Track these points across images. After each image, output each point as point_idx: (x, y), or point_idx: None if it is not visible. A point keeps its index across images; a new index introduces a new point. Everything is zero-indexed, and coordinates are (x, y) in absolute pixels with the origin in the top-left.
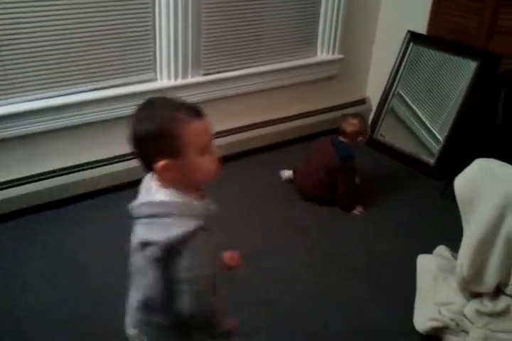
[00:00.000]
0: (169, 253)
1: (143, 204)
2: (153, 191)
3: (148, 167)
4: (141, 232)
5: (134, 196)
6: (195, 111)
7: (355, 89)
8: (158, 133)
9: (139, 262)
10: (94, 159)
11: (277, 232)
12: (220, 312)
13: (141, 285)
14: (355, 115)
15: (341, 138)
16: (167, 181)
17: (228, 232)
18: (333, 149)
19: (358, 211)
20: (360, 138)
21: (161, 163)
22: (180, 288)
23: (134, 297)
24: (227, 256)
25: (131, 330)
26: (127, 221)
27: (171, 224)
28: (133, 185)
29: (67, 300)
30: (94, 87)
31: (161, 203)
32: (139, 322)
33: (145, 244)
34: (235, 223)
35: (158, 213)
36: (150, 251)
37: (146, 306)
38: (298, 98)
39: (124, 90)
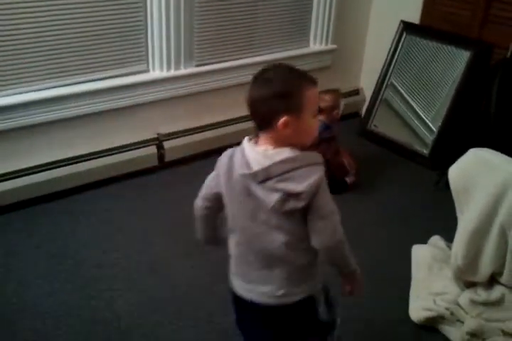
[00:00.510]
0: (310, 199)
1: (273, 164)
2: (272, 152)
3: (266, 125)
4: (282, 187)
5: (125, 190)
6: (313, 78)
7: (348, 80)
8: (286, 91)
9: (273, 219)
10: (87, 152)
11: None
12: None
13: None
14: (327, 91)
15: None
16: (281, 138)
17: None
18: None
19: (348, 179)
20: (335, 112)
21: (284, 118)
22: (324, 222)
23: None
24: None
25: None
26: (118, 213)
27: (306, 175)
28: (124, 178)
29: (61, 293)
30: (87, 78)
31: (294, 158)
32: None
33: (287, 198)
34: None
35: (293, 167)
36: (292, 203)
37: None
38: None
39: (116, 82)
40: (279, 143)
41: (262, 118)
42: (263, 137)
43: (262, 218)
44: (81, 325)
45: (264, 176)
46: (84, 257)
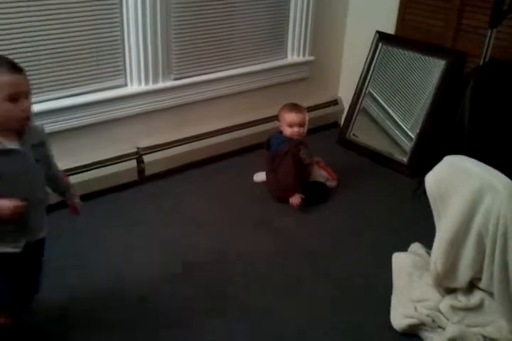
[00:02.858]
0: None
1: None
2: None
3: None
4: None
5: (105, 205)
6: (11, 65)
7: (326, 90)
8: None
9: None
10: (65, 167)
11: (249, 232)
12: None
13: None
14: (295, 106)
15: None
16: None
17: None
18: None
19: (293, 201)
20: (301, 129)
21: None
22: None
23: None
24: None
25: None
26: (91, 230)
27: None
28: (104, 193)
29: None
30: (64, 94)
31: None
32: None
33: None
34: (217, 225)
35: None
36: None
37: None
38: (270, 100)
39: (94, 97)
40: None
41: None
42: None
43: None
44: None
45: None
46: (55, 275)
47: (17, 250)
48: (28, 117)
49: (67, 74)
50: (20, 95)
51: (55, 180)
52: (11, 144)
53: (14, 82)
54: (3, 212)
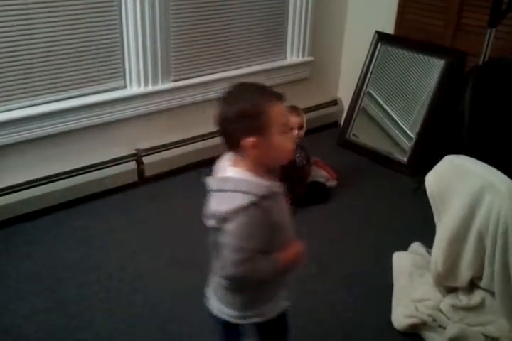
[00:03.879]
0: (222, 222)
1: (214, 179)
2: (225, 169)
3: (234, 145)
4: (211, 203)
5: (105, 207)
6: (277, 94)
7: (326, 91)
8: (251, 111)
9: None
10: (66, 169)
11: None
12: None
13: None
14: (292, 108)
15: None
16: (250, 159)
17: None
18: None
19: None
20: (300, 132)
21: (250, 140)
22: (227, 255)
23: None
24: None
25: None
26: (93, 232)
27: (227, 198)
28: (104, 195)
29: (41, 314)
30: (64, 96)
31: (229, 179)
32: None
33: (213, 214)
34: None
35: (224, 188)
36: (212, 221)
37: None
38: None
39: (94, 99)
40: (246, 163)
41: (228, 138)
42: (233, 156)
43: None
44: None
45: (210, 186)
46: (64, 277)
47: (289, 303)
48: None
49: (67, 76)
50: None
51: None
52: (275, 185)
53: (285, 111)
54: (298, 261)
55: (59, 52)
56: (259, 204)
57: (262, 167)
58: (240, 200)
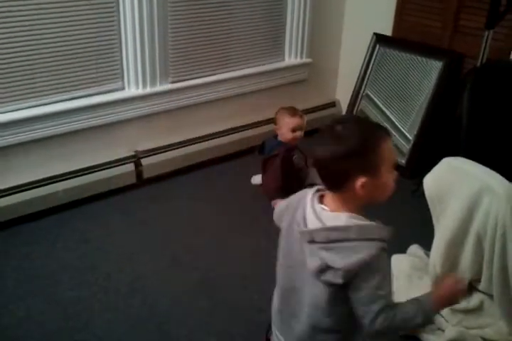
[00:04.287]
0: (350, 278)
1: (328, 229)
2: (327, 214)
3: (339, 185)
4: (323, 256)
5: (104, 209)
6: (386, 129)
7: (324, 93)
8: (362, 149)
9: (312, 287)
10: (63, 171)
11: (248, 233)
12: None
13: (310, 308)
14: (291, 109)
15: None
16: (353, 199)
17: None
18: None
19: (275, 206)
20: (299, 133)
21: (361, 180)
22: (362, 308)
23: (303, 321)
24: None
25: None
26: (97, 232)
27: (354, 249)
28: (102, 197)
29: (38, 315)
30: (62, 98)
31: (349, 228)
32: None
33: (326, 268)
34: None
35: (342, 238)
36: (330, 276)
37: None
38: (268, 103)
39: (92, 100)
40: (348, 204)
41: (334, 179)
42: (330, 196)
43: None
44: None
45: (310, 238)
46: (62, 278)
47: None
48: None
49: (65, 77)
50: None
51: None
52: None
53: (394, 149)
54: (455, 298)
55: (57, 53)
56: (386, 248)
57: (362, 207)
58: (371, 248)
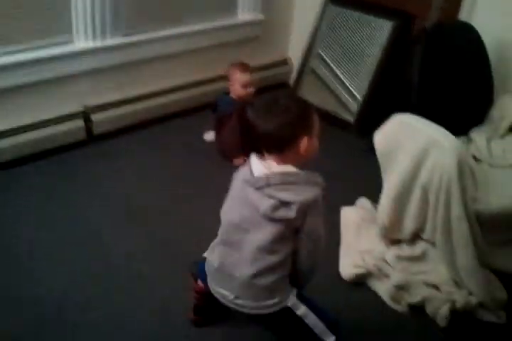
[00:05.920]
0: (300, 212)
1: (281, 173)
2: (276, 166)
3: (287, 146)
4: (281, 196)
5: (53, 166)
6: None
7: (277, 50)
8: (305, 114)
9: (258, 219)
10: (9, 127)
11: (201, 190)
12: None
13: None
14: (242, 64)
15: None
16: (291, 158)
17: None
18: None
19: (236, 163)
20: (251, 89)
21: (304, 140)
22: (303, 243)
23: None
24: None
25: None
26: (47, 188)
27: (305, 189)
28: (51, 154)
29: None
30: (6, 50)
31: (295, 173)
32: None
33: (280, 205)
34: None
35: (293, 181)
36: (283, 212)
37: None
38: (219, 60)
39: (38, 53)
40: (287, 162)
41: (282, 143)
42: (272, 157)
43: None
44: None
45: (264, 182)
46: (14, 234)
47: None
48: None
49: (8, 29)
50: None
51: None
52: None
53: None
54: None
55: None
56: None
57: (299, 163)
58: (316, 190)
